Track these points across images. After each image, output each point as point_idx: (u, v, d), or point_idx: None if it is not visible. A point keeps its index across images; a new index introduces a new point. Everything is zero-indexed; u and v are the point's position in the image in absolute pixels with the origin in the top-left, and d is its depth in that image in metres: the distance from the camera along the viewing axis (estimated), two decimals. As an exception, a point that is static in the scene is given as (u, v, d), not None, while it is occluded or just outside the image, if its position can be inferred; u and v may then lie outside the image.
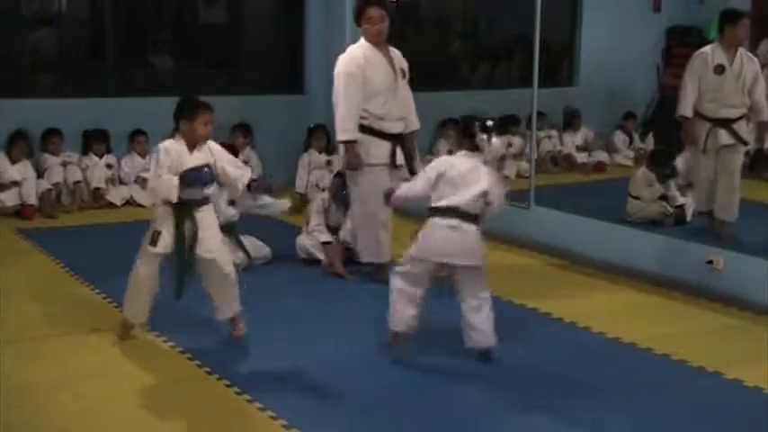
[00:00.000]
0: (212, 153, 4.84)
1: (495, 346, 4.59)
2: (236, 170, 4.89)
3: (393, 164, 5.88)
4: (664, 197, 7.22)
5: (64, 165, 8.11)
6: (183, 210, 4.66)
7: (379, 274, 5.85)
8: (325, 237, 6.33)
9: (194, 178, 4.64)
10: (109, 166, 8.38)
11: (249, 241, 6.32)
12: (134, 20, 9.21)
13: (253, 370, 4.49)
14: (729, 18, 6.67)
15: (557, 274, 6.41)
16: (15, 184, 7.83)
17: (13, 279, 5.95)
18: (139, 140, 8.53)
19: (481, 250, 4.54)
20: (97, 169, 8.25)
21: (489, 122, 4.61)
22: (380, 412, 4.10)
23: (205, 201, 4.74)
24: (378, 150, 5.85)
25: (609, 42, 9.58)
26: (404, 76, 5.95)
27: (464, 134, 4.63)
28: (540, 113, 8.35)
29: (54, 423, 3.95)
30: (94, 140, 8.34)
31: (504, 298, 5.71)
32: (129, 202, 8.32)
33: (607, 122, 10.09)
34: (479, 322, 4.55)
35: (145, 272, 4.81)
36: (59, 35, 8.83)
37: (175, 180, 4.59)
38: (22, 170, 7.88)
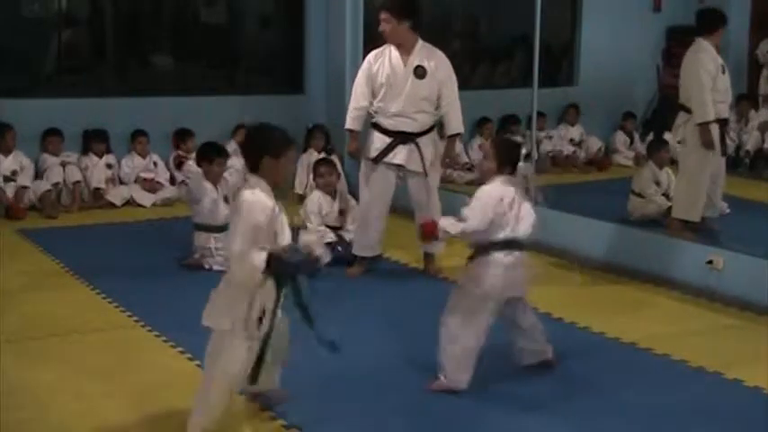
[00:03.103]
0: None
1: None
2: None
3: (378, 160, 6.02)
4: (666, 195, 7.22)
5: (63, 165, 8.12)
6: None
7: (360, 266, 6.19)
8: (330, 237, 6.35)
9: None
10: (109, 166, 8.37)
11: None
12: (134, 20, 9.21)
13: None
14: (722, 20, 6.66)
15: (557, 274, 6.41)
16: (15, 173, 7.89)
17: (13, 279, 5.95)
18: (140, 140, 8.53)
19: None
20: (97, 169, 8.24)
21: (523, 149, 4.49)
22: (381, 412, 4.10)
23: None
24: (373, 144, 6.06)
25: (609, 42, 9.58)
26: (420, 76, 5.96)
27: (505, 160, 4.33)
28: (539, 113, 8.37)
29: (54, 423, 3.95)
30: (94, 140, 8.34)
31: (504, 298, 5.72)
32: (129, 202, 8.31)
33: (607, 122, 10.10)
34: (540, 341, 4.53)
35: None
36: (59, 35, 8.83)
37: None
38: (17, 160, 7.94)
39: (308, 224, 6.45)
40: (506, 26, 10.17)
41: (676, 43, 9.63)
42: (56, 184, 7.99)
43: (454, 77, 6.09)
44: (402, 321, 5.22)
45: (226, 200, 6.33)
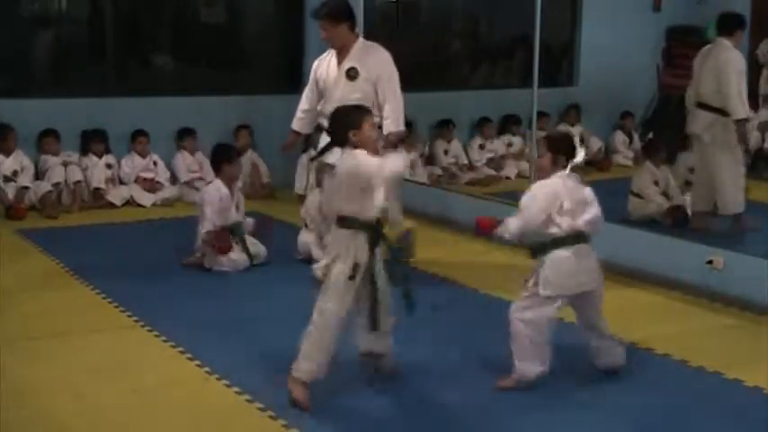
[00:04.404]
0: None
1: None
2: None
3: (315, 159, 5.94)
4: (665, 194, 7.24)
5: (65, 165, 8.12)
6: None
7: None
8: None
9: None
10: (109, 166, 8.38)
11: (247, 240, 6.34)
12: (134, 20, 9.21)
13: (253, 370, 4.48)
14: (741, 22, 6.92)
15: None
16: (16, 174, 7.89)
17: (13, 279, 5.95)
18: (140, 140, 8.53)
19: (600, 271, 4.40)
20: (97, 169, 8.25)
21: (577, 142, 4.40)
22: (380, 412, 4.11)
23: None
24: (317, 144, 5.99)
25: (609, 42, 9.58)
26: (352, 77, 5.88)
27: (560, 153, 4.27)
28: (542, 113, 8.37)
29: (54, 423, 3.95)
30: (93, 140, 8.34)
31: (504, 298, 5.72)
32: (129, 202, 8.31)
33: (607, 122, 10.10)
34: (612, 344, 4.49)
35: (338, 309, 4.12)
36: (59, 35, 8.83)
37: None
38: (18, 160, 7.95)
39: (310, 224, 6.44)
40: (506, 26, 10.17)
41: (676, 43, 9.64)
42: (56, 185, 8.00)
43: (391, 76, 5.92)
44: (402, 321, 5.21)
45: (236, 207, 6.34)
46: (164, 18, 9.52)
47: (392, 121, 5.88)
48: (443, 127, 9.33)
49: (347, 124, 4.16)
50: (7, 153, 7.94)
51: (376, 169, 3.98)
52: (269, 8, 9.92)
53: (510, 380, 4.30)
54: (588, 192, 4.33)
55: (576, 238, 4.24)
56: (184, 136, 8.67)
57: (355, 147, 4.10)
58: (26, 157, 8.02)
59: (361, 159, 4.04)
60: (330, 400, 4.20)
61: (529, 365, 4.27)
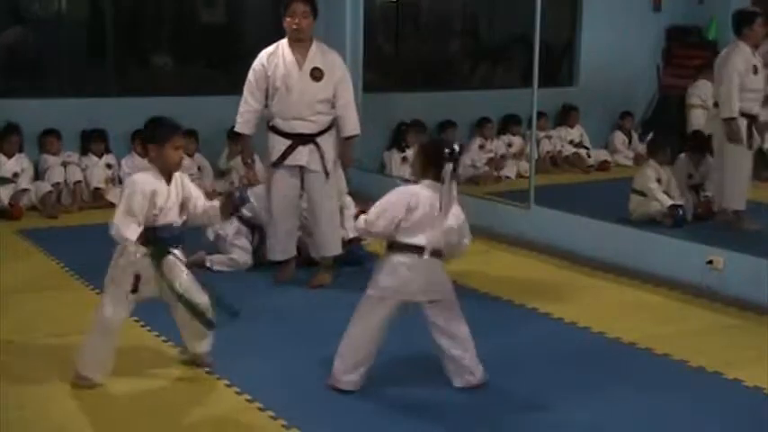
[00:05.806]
0: (183, 186, 4.32)
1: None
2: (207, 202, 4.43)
3: (278, 164, 5.80)
4: (666, 193, 7.25)
5: (64, 165, 8.12)
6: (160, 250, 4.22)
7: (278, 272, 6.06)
8: None
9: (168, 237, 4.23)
10: (108, 165, 8.38)
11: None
12: (134, 20, 9.22)
13: (253, 370, 4.49)
14: (746, 20, 6.88)
15: (557, 274, 6.41)
16: (16, 175, 7.89)
17: (13, 279, 5.95)
18: (140, 140, 8.52)
19: (448, 283, 4.27)
20: (97, 169, 8.25)
21: (456, 148, 4.12)
22: (380, 411, 4.11)
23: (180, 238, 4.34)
24: (274, 149, 5.82)
25: (609, 42, 9.60)
26: (317, 78, 5.71)
27: (430, 162, 4.14)
28: (541, 113, 8.37)
29: (54, 423, 3.95)
30: (93, 140, 8.35)
31: (504, 298, 5.73)
32: (129, 202, 8.30)
33: (607, 123, 10.11)
34: (470, 362, 4.31)
35: (114, 314, 4.29)
36: (60, 35, 8.83)
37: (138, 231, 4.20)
38: (19, 163, 7.96)
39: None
40: (506, 26, 10.18)
41: (676, 43, 9.66)
42: (56, 185, 8.00)
43: (349, 77, 5.85)
44: (399, 320, 5.21)
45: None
46: (164, 18, 9.53)
47: (352, 125, 5.82)
48: (446, 128, 9.32)
49: (152, 137, 4.22)
50: (9, 155, 7.93)
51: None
52: (268, 8, 9.91)
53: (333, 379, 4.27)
54: (454, 214, 4.13)
55: (416, 248, 4.09)
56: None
57: (150, 161, 4.21)
58: (28, 160, 8.02)
59: (138, 180, 4.16)
60: (330, 400, 4.20)
61: (350, 376, 4.22)
